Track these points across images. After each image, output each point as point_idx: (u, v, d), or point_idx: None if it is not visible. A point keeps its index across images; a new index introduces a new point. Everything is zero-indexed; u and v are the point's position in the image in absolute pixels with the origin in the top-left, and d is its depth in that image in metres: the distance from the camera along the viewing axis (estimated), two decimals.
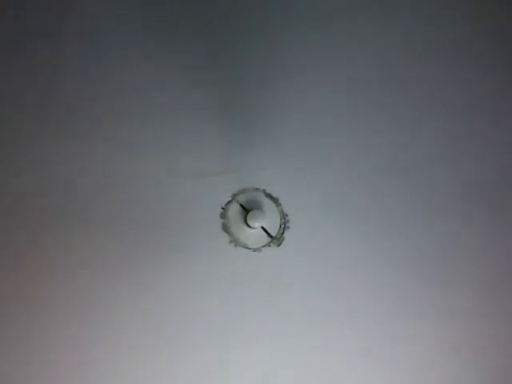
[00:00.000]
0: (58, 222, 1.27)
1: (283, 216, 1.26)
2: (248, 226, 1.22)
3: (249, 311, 1.27)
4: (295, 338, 1.27)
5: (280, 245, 1.26)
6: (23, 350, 1.22)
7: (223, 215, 1.26)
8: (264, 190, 1.27)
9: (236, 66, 1.36)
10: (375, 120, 1.36)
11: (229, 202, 1.26)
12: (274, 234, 1.24)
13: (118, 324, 1.24)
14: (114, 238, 1.27)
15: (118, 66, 1.34)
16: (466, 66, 1.39)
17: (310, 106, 1.35)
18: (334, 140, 1.34)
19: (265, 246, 1.24)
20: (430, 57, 1.39)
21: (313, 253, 1.30)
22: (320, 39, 1.38)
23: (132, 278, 1.26)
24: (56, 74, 1.33)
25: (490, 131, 1.36)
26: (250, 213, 1.20)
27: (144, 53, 1.35)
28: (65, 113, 1.32)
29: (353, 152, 1.34)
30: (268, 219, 1.22)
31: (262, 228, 1.23)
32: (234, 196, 1.26)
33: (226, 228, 1.25)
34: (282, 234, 1.26)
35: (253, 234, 1.24)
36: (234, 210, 1.25)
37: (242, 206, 1.25)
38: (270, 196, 1.26)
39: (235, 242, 1.24)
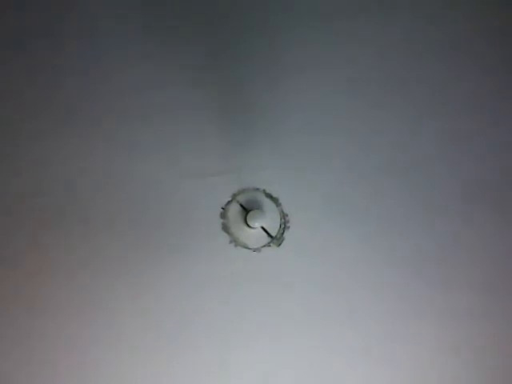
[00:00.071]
0: (58, 222, 1.27)
1: (283, 216, 1.26)
2: (248, 225, 1.21)
3: (249, 311, 1.27)
4: (295, 338, 1.27)
5: (280, 245, 1.26)
6: (23, 350, 1.22)
7: (223, 215, 1.26)
8: (264, 190, 1.27)
9: (236, 66, 1.36)
10: (375, 120, 1.36)
11: (229, 202, 1.26)
12: (274, 234, 1.24)
13: (118, 324, 1.24)
14: (113, 238, 1.27)
15: (118, 65, 1.34)
16: (466, 66, 1.39)
17: (310, 106, 1.35)
18: (334, 140, 1.34)
19: (265, 246, 1.24)
20: (430, 57, 1.39)
21: (313, 253, 1.30)
22: (320, 39, 1.38)
23: (132, 277, 1.26)
24: (56, 74, 1.33)
25: (490, 131, 1.36)
26: (250, 213, 1.20)
27: (144, 53, 1.35)
28: (65, 113, 1.32)
29: (353, 152, 1.34)
30: (268, 219, 1.21)
31: (262, 228, 1.23)
32: (234, 196, 1.26)
33: (226, 228, 1.25)
34: (282, 233, 1.26)
35: (253, 233, 1.24)
36: (234, 210, 1.25)
37: (242, 206, 1.24)
38: (270, 196, 1.26)
39: (235, 242, 1.24)
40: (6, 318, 1.23)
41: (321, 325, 1.27)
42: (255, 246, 1.24)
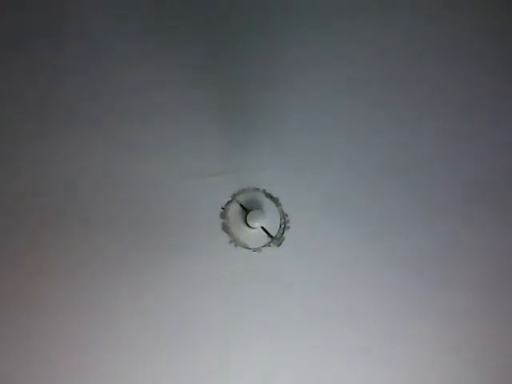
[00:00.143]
0: (58, 222, 1.27)
1: (283, 216, 1.26)
2: (248, 226, 1.22)
3: (249, 311, 1.27)
4: (295, 338, 1.27)
5: (280, 245, 1.26)
6: (23, 350, 1.22)
7: (223, 215, 1.26)
8: (264, 190, 1.27)
9: (236, 66, 1.36)
10: (375, 120, 1.36)
11: (229, 202, 1.26)
12: (274, 234, 1.24)
13: (118, 324, 1.24)
14: (114, 238, 1.27)
15: (118, 66, 1.34)
16: (466, 66, 1.39)
17: (310, 106, 1.35)
18: (334, 140, 1.34)
19: (265, 245, 1.24)
20: (430, 57, 1.39)
21: (313, 253, 1.30)
22: (320, 39, 1.38)
23: (132, 277, 1.26)
24: (56, 73, 1.33)
25: (490, 131, 1.36)
26: (250, 213, 1.20)
27: (144, 53, 1.35)
28: (65, 113, 1.32)
29: (353, 152, 1.34)
30: (268, 219, 1.22)
31: (262, 228, 1.23)
32: (234, 196, 1.26)
33: (226, 228, 1.25)
34: (282, 233, 1.26)
35: (253, 234, 1.24)
36: (234, 210, 1.25)
37: (242, 206, 1.25)
38: (270, 196, 1.26)
39: (235, 242, 1.24)
40: (5, 317, 1.23)
41: (321, 325, 1.27)
42: (255, 246, 1.24)
